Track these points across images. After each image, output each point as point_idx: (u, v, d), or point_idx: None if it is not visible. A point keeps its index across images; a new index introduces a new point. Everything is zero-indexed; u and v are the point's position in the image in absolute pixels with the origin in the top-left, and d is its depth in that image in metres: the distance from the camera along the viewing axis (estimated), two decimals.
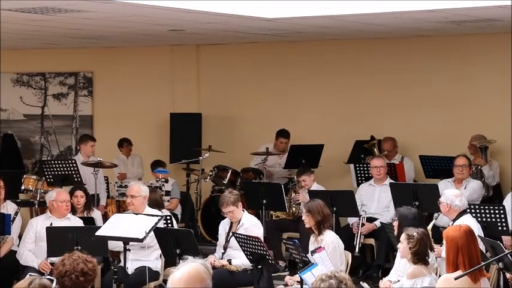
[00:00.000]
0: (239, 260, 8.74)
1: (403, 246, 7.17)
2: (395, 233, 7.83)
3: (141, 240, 8.06)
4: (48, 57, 14.40)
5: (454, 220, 8.34)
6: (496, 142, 11.16)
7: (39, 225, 9.23)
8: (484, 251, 7.50)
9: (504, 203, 9.38)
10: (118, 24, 10.21)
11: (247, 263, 8.51)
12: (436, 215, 8.65)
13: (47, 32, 11.09)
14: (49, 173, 11.02)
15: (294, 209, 11.04)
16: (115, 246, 8.85)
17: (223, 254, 9.05)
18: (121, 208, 11.32)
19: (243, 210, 9.09)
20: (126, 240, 8.17)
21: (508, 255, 6.84)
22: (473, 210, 8.82)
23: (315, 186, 10.76)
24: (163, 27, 10.59)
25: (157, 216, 8.43)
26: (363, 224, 10.22)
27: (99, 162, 11.19)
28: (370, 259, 10.72)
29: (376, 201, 10.62)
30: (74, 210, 9.85)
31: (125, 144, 12.81)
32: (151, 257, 8.96)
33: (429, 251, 7.27)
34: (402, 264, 7.64)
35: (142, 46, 13.66)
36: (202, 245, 9.89)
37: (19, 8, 8.65)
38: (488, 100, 11.58)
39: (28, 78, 14.88)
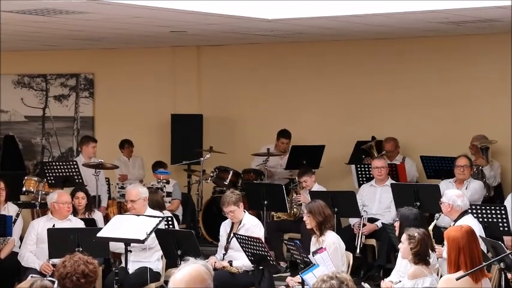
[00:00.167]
0: (240, 261, 8.75)
1: (404, 246, 7.17)
2: (397, 233, 7.83)
3: (142, 242, 8.06)
4: (49, 58, 14.42)
5: (455, 220, 8.34)
6: (497, 142, 11.16)
7: (40, 226, 9.23)
8: (486, 251, 7.50)
9: (505, 203, 9.38)
10: (119, 25, 10.22)
11: (249, 264, 8.51)
12: (437, 215, 8.65)
13: (48, 33, 11.10)
14: (50, 174, 11.03)
15: (295, 209, 11.04)
16: (116, 247, 8.85)
17: (224, 255, 9.06)
18: (122, 209, 11.32)
19: (244, 211, 9.10)
20: (127, 242, 8.17)
21: (510, 255, 6.84)
22: (474, 211, 8.82)
23: (316, 187, 10.76)
24: (164, 28, 10.60)
25: (158, 217, 8.43)
26: (364, 225, 10.22)
27: (100, 164, 11.19)
28: (372, 260, 10.71)
29: (377, 201, 10.62)
30: (75, 212, 9.85)
31: (126, 145, 12.82)
32: (152, 258, 8.97)
33: (430, 251, 7.27)
34: (403, 264, 7.64)
35: (143, 47, 13.67)
36: (203, 246, 9.88)
37: (20, 9, 8.66)
38: (489, 100, 11.58)
39: (29, 80, 14.89)
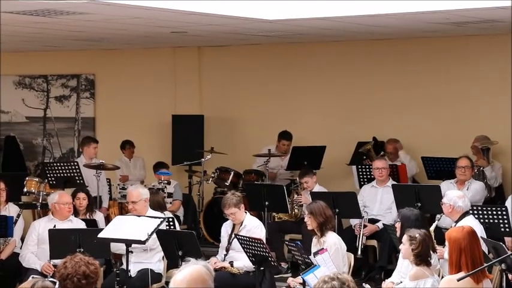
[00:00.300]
0: (241, 262, 8.75)
1: (405, 247, 7.17)
2: (398, 234, 7.83)
3: (143, 242, 8.06)
4: (50, 59, 14.42)
5: (456, 221, 8.34)
6: (498, 143, 11.16)
7: (41, 227, 9.24)
8: (487, 252, 7.49)
9: (506, 204, 9.37)
10: (120, 26, 10.22)
11: (250, 265, 8.51)
12: (438, 216, 8.64)
13: (49, 34, 11.10)
14: (51, 175, 11.03)
15: (296, 210, 11.03)
16: (117, 249, 8.85)
17: (225, 255, 9.06)
18: (123, 210, 11.32)
19: (246, 212, 9.10)
20: (128, 243, 8.17)
21: (511, 256, 6.83)
22: (475, 212, 8.81)
23: (317, 188, 10.76)
24: (165, 29, 10.60)
25: (159, 218, 8.43)
26: (365, 226, 10.21)
27: (101, 165, 11.19)
28: (373, 260, 10.71)
29: (378, 202, 10.62)
30: (76, 213, 9.85)
31: (127, 146, 12.82)
32: (153, 259, 8.97)
33: (431, 252, 7.27)
34: (405, 265, 7.64)
35: (144, 48, 13.67)
36: (204, 247, 9.88)
37: (21, 10, 8.66)
38: (490, 101, 11.58)
39: (30, 81, 14.90)
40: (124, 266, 8.46)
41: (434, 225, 8.35)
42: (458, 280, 6.24)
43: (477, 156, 10.98)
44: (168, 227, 9.23)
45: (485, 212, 8.87)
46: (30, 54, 14.30)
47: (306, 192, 10.80)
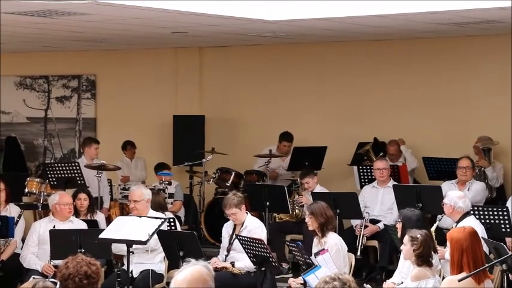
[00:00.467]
0: (242, 262, 8.75)
1: (406, 248, 7.16)
2: (399, 234, 7.82)
3: (144, 243, 8.06)
4: (51, 60, 14.43)
5: (457, 222, 8.34)
6: (499, 144, 11.16)
7: (42, 228, 9.24)
8: (488, 253, 7.49)
9: (507, 204, 9.37)
10: (121, 27, 10.23)
11: (251, 266, 8.51)
12: (439, 216, 8.65)
13: (50, 34, 11.10)
14: (52, 175, 11.03)
15: (297, 211, 11.03)
16: (119, 249, 8.85)
17: (226, 256, 9.06)
18: (124, 211, 11.32)
19: (247, 213, 9.10)
20: (129, 243, 8.17)
21: None
22: (476, 212, 8.81)
23: (318, 188, 10.76)
24: (166, 29, 10.60)
25: (160, 218, 8.43)
26: (366, 226, 10.20)
27: (102, 165, 11.20)
28: (374, 261, 10.70)
29: (379, 203, 10.61)
30: (77, 213, 9.85)
31: (128, 147, 12.82)
32: (155, 260, 8.98)
33: (433, 252, 7.27)
34: (406, 266, 7.64)
35: (145, 49, 13.67)
36: (205, 248, 9.88)
37: (22, 11, 8.66)
38: (491, 101, 11.57)
39: (31, 81, 14.91)
40: (125, 267, 8.46)
41: (435, 225, 8.35)
42: (460, 280, 6.24)
43: (478, 156, 10.99)
44: (169, 228, 9.23)
45: (486, 213, 8.87)
46: (31, 54, 14.31)
47: (307, 192, 10.80)
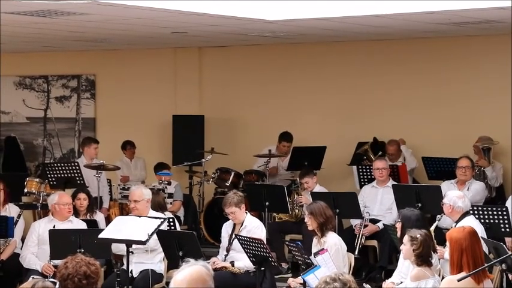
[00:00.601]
0: (242, 262, 8.75)
1: (406, 248, 7.16)
2: (398, 234, 7.82)
3: (144, 243, 8.06)
4: (50, 60, 14.43)
5: (457, 221, 8.34)
6: (498, 143, 11.16)
7: (41, 228, 9.24)
8: (487, 253, 7.49)
9: (507, 204, 9.37)
10: (120, 27, 10.22)
11: (250, 265, 8.52)
12: (439, 216, 8.64)
13: (49, 34, 11.10)
14: (52, 175, 11.03)
15: (296, 211, 11.03)
16: (119, 249, 8.85)
17: (226, 256, 9.06)
18: (124, 211, 11.32)
19: (246, 213, 9.10)
20: (129, 243, 8.17)
21: (511, 256, 6.83)
22: (476, 212, 8.81)
23: (318, 188, 10.76)
24: (166, 29, 10.60)
25: (160, 218, 8.44)
26: (365, 226, 10.21)
27: (101, 165, 11.20)
28: (373, 261, 10.71)
29: (378, 203, 10.62)
30: (76, 213, 9.85)
31: (128, 146, 12.82)
32: (155, 260, 8.98)
33: (432, 252, 7.27)
34: (405, 265, 7.64)
35: (145, 48, 13.67)
36: (205, 247, 9.88)
37: (21, 10, 8.66)
38: (491, 101, 11.58)
39: (31, 81, 14.90)
40: (125, 267, 8.46)
41: (434, 225, 8.35)
42: (459, 280, 6.24)
43: (478, 156, 10.99)
44: (168, 228, 9.23)
45: (485, 212, 8.87)
46: (30, 54, 14.30)
47: (306, 192, 10.80)
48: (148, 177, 12.54)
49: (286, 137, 12.20)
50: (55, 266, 8.52)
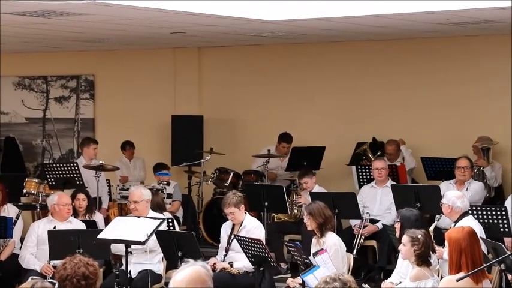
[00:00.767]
0: (241, 262, 8.75)
1: (406, 248, 7.15)
2: (397, 234, 7.82)
3: (142, 243, 8.06)
4: (49, 60, 14.42)
5: (456, 222, 8.35)
6: (498, 143, 11.16)
7: (40, 228, 9.24)
8: (486, 253, 7.49)
9: (506, 204, 9.37)
10: (119, 27, 10.22)
11: (249, 266, 8.51)
12: (438, 216, 8.64)
13: (49, 35, 11.10)
14: (51, 176, 11.03)
15: (295, 211, 11.03)
16: (118, 250, 8.85)
17: (225, 256, 9.06)
18: (123, 211, 11.32)
19: (245, 213, 9.10)
20: (128, 243, 8.17)
21: (510, 256, 6.83)
22: (475, 212, 8.81)
23: (317, 188, 10.76)
24: (165, 30, 10.60)
25: (159, 219, 8.44)
26: (365, 226, 10.21)
27: (100, 165, 11.20)
28: (372, 261, 10.71)
29: (377, 203, 10.62)
30: (75, 213, 9.85)
31: (127, 147, 12.82)
32: (154, 260, 8.98)
33: (431, 252, 7.27)
34: (404, 266, 7.64)
35: (144, 49, 13.67)
36: (204, 248, 9.88)
37: (20, 11, 8.66)
38: (490, 101, 11.57)
39: (30, 82, 14.90)
40: (124, 267, 8.47)
41: (433, 225, 8.35)
42: (458, 280, 6.24)
43: (477, 156, 10.99)
44: (167, 228, 9.23)
45: (484, 212, 8.87)
46: (29, 55, 14.30)
47: (305, 192, 10.80)
48: (148, 177, 12.54)
49: (285, 137, 12.19)
50: (54, 267, 8.52)
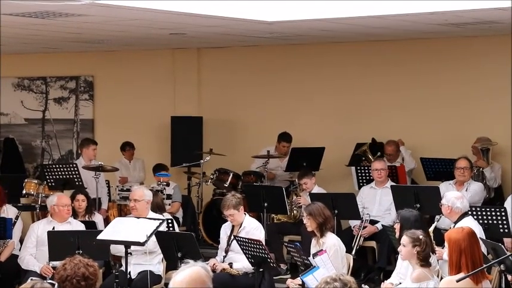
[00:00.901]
0: (240, 263, 8.75)
1: (407, 249, 7.13)
2: (397, 235, 7.82)
3: (142, 244, 8.05)
4: (49, 61, 14.42)
5: (455, 222, 8.35)
6: (497, 144, 11.16)
7: (40, 229, 9.24)
8: (486, 253, 7.49)
9: (505, 205, 9.37)
10: (118, 28, 10.22)
11: (249, 266, 8.51)
12: (437, 217, 8.64)
13: (48, 36, 11.10)
14: (50, 177, 11.02)
15: (295, 212, 11.03)
16: (118, 251, 8.85)
17: (224, 257, 9.06)
18: (122, 212, 11.32)
19: (245, 214, 9.10)
20: (127, 244, 8.17)
21: (510, 257, 6.84)
22: (474, 212, 8.81)
23: (316, 189, 10.76)
24: (164, 30, 10.60)
25: (158, 219, 8.43)
26: (364, 227, 10.21)
27: (100, 166, 11.20)
28: (372, 262, 10.71)
29: (377, 203, 10.62)
30: (75, 214, 9.84)
31: (127, 148, 12.82)
32: (153, 261, 8.98)
33: (431, 253, 7.27)
34: (404, 266, 7.64)
35: (143, 50, 13.67)
36: (203, 249, 9.89)
37: (20, 12, 8.66)
38: (490, 102, 11.58)
39: (29, 83, 14.90)
40: (123, 268, 8.46)
41: (433, 226, 8.34)
42: (458, 281, 6.24)
43: (477, 156, 10.99)
44: (167, 229, 9.23)
45: (484, 213, 8.87)
46: (29, 56, 14.30)
47: (305, 193, 10.80)
48: (147, 178, 12.54)
49: (285, 137, 12.20)
50: (54, 268, 8.51)
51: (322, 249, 7.96)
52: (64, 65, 14.46)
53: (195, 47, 13.40)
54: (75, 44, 12.37)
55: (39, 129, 14.89)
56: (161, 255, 8.88)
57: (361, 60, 12.48)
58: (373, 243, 10.45)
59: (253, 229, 8.93)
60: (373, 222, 10.38)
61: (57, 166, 11.28)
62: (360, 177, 11.24)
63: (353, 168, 11.57)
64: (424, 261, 7.08)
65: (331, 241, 8.22)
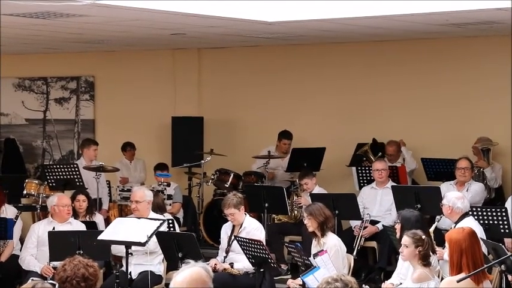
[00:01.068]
0: (241, 263, 8.75)
1: (409, 250, 7.12)
2: (398, 235, 7.82)
3: (143, 244, 8.05)
4: (49, 61, 14.42)
5: (456, 223, 8.35)
6: (498, 144, 11.16)
7: (41, 229, 9.24)
8: (486, 254, 7.49)
9: (506, 205, 9.37)
10: (119, 28, 10.23)
11: (249, 267, 8.52)
12: (438, 217, 8.65)
13: (48, 36, 11.10)
14: (51, 177, 11.02)
15: (296, 212, 11.03)
16: (119, 251, 8.85)
17: (225, 257, 9.06)
18: (123, 212, 11.33)
19: (245, 214, 9.10)
20: (128, 244, 8.17)
21: (510, 257, 6.84)
22: (475, 213, 8.80)
23: (317, 190, 10.76)
24: (165, 31, 10.60)
25: (159, 220, 8.43)
26: (365, 227, 10.21)
27: (101, 167, 11.20)
28: (372, 262, 10.71)
29: (378, 204, 10.62)
30: (76, 215, 9.85)
31: (128, 148, 12.82)
32: (154, 262, 8.98)
33: (431, 253, 7.27)
34: (404, 267, 7.64)
35: (144, 50, 13.68)
36: (204, 249, 9.89)
37: (20, 12, 8.66)
38: (490, 102, 11.58)
39: (30, 83, 14.90)
40: (124, 268, 8.46)
41: (433, 226, 8.35)
42: (459, 281, 6.24)
43: (477, 157, 10.99)
44: (168, 229, 9.23)
45: (485, 213, 8.86)
46: (29, 56, 14.31)
47: (305, 193, 10.80)
48: (148, 178, 12.54)
49: (286, 134, 12.20)
50: (54, 268, 8.51)
51: (322, 250, 7.96)
52: (65, 66, 14.46)
53: (195, 48, 13.40)
54: (75, 44, 12.38)
55: (40, 130, 14.89)
56: (162, 256, 8.88)
57: (361, 61, 12.47)
58: (373, 244, 10.45)
59: (253, 229, 8.94)
60: (373, 222, 10.39)
61: (58, 166, 11.28)
62: (361, 178, 11.24)
63: (354, 168, 11.57)
64: (425, 261, 7.07)
65: (332, 241, 8.22)
